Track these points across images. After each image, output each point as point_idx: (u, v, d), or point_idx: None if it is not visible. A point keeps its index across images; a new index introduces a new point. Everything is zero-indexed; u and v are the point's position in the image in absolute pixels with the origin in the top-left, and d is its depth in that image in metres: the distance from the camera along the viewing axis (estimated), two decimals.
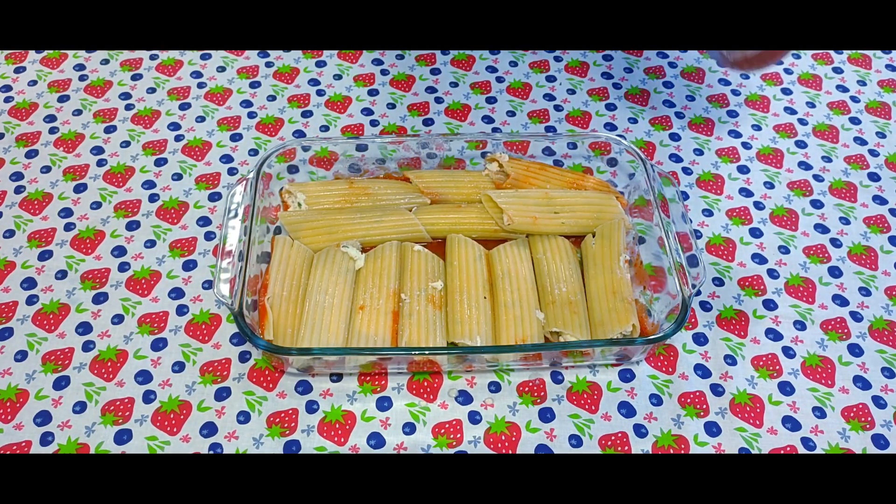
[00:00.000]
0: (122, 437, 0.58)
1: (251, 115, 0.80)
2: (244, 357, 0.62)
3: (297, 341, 0.59)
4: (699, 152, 0.79)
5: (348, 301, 0.63)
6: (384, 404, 0.60)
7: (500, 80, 0.85)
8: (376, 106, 0.82)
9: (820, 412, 0.61)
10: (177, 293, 0.66)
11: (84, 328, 0.63)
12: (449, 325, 0.62)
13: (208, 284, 0.66)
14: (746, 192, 0.76)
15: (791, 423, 0.60)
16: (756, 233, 0.72)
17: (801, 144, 0.80)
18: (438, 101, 0.83)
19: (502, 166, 0.71)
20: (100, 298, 0.65)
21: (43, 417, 0.58)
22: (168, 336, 0.63)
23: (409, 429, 0.59)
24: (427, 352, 0.59)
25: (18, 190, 0.73)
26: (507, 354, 0.60)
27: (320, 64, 0.86)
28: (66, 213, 0.71)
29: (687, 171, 0.77)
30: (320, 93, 0.83)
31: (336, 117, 0.81)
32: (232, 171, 0.75)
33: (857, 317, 0.67)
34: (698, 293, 0.67)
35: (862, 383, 0.63)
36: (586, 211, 0.69)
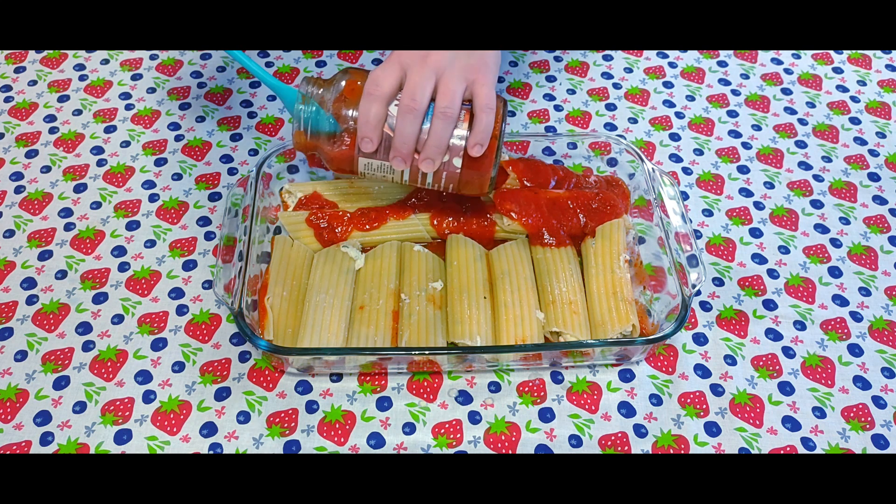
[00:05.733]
0: (122, 437, 0.58)
1: (251, 115, 0.80)
2: (244, 357, 0.62)
3: (297, 341, 0.59)
4: (699, 152, 0.79)
5: (348, 301, 0.63)
6: (384, 404, 0.60)
7: (500, 79, 0.85)
8: None
9: (820, 412, 0.61)
10: (177, 293, 0.66)
11: (84, 328, 0.63)
12: (449, 325, 0.62)
13: (208, 284, 0.66)
14: (746, 192, 0.76)
15: (791, 423, 0.60)
16: (756, 233, 0.72)
17: (801, 144, 0.80)
18: None
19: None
20: (100, 298, 0.65)
21: (43, 417, 0.58)
22: (168, 336, 0.63)
23: (409, 429, 0.59)
24: (427, 352, 0.59)
25: (18, 190, 0.73)
26: (507, 354, 0.60)
27: (320, 64, 0.86)
28: (66, 213, 0.71)
29: (687, 171, 0.77)
30: None
31: None
32: (232, 171, 0.75)
33: (857, 317, 0.67)
34: (698, 293, 0.67)
35: (862, 383, 0.63)
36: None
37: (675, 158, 0.78)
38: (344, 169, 0.61)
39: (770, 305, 0.67)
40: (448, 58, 0.57)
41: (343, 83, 0.58)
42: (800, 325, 0.66)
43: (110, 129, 0.78)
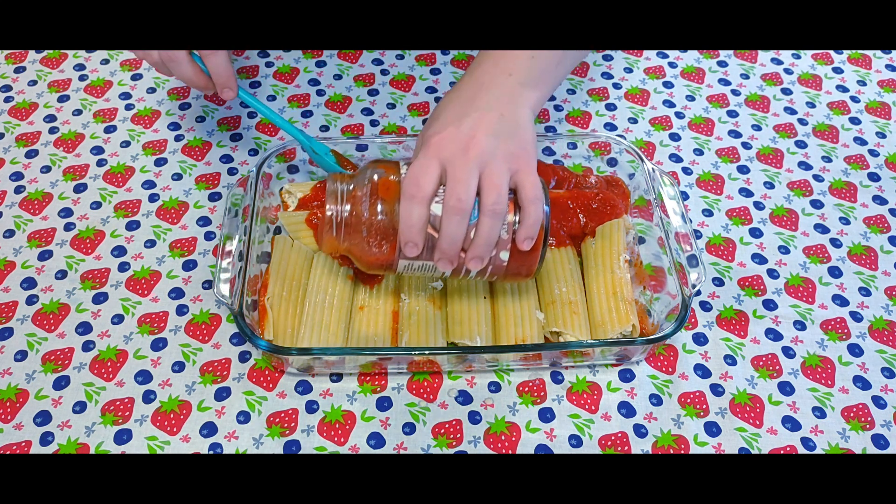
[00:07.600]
0: (122, 437, 0.58)
1: (251, 115, 0.80)
2: (244, 357, 0.62)
3: (297, 341, 0.60)
4: (699, 152, 0.79)
5: (348, 301, 0.63)
6: (384, 404, 0.60)
7: None
8: (376, 106, 0.82)
9: (820, 412, 0.61)
10: (177, 293, 0.66)
11: (84, 328, 0.63)
12: (449, 325, 0.62)
13: (208, 284, 0.66)
14: (746, 192, 0.76)
15: (791, 423, 0.60)
16: (756, 233, 0.72)
17: (801, 144, 0.80)
18: (438, 100, 0.83)
19: None
20: (100, 298, 0.65)
21: (43, 417, 0.58)
22: (168, 336, 0.63)
23: (409, 429, 0.59)
24: (427, 352, 0.59)
25: (18, 190, 0.73)
26: (507, 354, 0.60)
27: (320, 64, 0.86)
28: (66, 213, 0.71)
29: (687, 171, 0.77)
30: (320, 93, 0.83)
31: (336, 117, 0.81)
32: (232, 171, 0.75)
33: (857, 317, 0.67)
34: (698, 293, 0.67)
35: (862, 383, 0.63)
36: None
37: (675, 158, 0.78)
38: (379, 270, 0.56)
39: (770, 305, 0.67)
40: (490, 147, 0.53)
41: (375, 178, 0.54)
42: (800, 325, 0.66)
43: (110, 129, 0.78)
